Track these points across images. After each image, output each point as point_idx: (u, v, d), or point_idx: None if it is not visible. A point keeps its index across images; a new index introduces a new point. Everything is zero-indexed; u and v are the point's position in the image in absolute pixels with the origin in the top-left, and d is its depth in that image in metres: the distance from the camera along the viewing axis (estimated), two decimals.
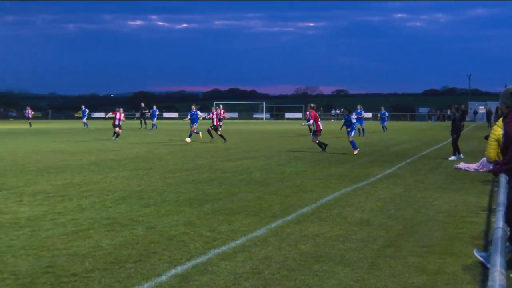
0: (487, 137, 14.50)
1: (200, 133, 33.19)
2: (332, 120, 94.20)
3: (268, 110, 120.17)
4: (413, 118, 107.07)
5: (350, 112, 25.25)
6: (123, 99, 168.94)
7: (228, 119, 76.11)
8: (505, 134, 7.08)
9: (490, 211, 10.86)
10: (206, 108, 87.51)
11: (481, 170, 17.26)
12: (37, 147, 28.32)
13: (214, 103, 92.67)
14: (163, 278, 6.72)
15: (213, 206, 11.51)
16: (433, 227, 9.55)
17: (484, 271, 6.87)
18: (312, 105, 26.12)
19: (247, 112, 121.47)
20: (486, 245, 8.19)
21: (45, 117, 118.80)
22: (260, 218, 10.29)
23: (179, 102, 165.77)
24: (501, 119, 10.66)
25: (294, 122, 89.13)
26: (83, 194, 12.95)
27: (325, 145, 24.96)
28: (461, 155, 21.72)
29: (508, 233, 6.60)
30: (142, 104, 57.32)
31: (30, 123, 65.17)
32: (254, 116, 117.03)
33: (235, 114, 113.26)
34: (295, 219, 10.29)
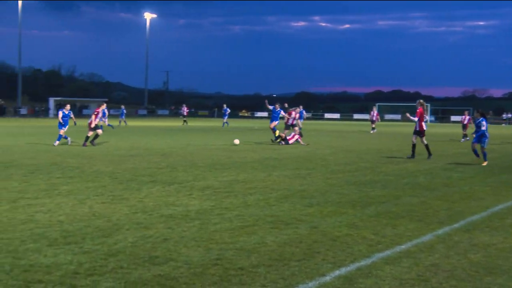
0: None
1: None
2: (503, 125, 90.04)
3: (433, 112, 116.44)
4: None
5: (483, 116, 21.62)
6: (286, 99, 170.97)
7: (387, 120, 74.80)
8: None
9: None
10: (366, 109, 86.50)
11: None
12: (205, 144, 29.41)
13: (377, 104, 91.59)
14: (327, 278, 6.68)
15: (377, 209, 11.32)
16: None
17: None
18: (421, 101, 23.58)
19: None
20: None
21: (211, 115, 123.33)
22: (425, 224, 9.96)
23: (341, 103, 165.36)
24: None
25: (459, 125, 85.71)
26: (247, 191, 13.24)
27: (429, 154, 22.67)
28: None
29: None
30: (286, 105, 56.07)
31: (185, 120, 66.01)
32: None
33: (398, 116, 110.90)
34: (464, 227, 9.83)
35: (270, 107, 33.31)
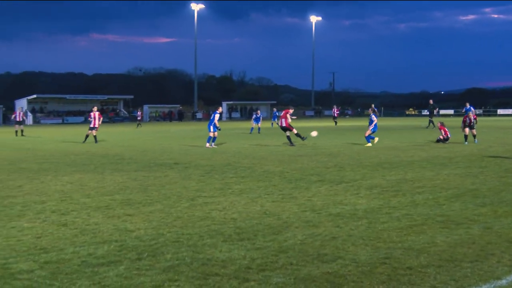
0: None
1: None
2: None
3: None
4: None
5: None
6: (454, 95, 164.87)
7: None
8: None
9: None
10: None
11: None
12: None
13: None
14: (503, 282, 6.36)
15: None
16: None
17: None
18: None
19: None
20: None
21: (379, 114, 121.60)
22: None
23: None
24: None
25: None
26: (416, 190, 12.96)
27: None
28: None
29: None
30: (431, 101, 52.09)
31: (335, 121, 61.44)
32: None
33: None
34: None
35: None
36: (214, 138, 27.34)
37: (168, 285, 6.23)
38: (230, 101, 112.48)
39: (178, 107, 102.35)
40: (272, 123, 54.26)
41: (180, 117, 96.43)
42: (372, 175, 15.69)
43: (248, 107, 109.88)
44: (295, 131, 27.61)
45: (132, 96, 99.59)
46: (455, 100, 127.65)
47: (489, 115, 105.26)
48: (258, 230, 8.86)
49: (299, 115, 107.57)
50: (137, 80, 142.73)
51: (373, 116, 28.33)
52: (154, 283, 6.32)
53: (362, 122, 67.37)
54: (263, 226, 9.16)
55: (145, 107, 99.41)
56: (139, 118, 67.00)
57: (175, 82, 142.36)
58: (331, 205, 11.05)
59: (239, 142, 31.40)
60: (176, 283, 6.30)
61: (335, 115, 62.12)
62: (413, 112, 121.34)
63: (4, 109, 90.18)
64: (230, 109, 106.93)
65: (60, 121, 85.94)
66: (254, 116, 45.47)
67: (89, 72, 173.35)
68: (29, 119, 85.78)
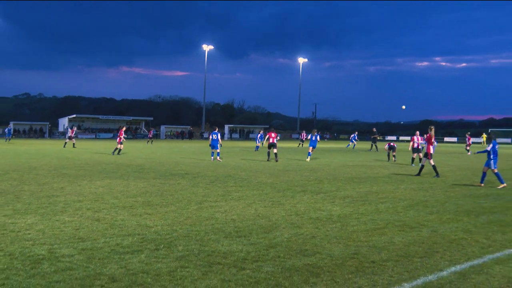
0: None
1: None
2: None
3: None
4: None
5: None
6: (412, 125, 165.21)
7: (500, 143, 69.45)
8: None
9: None
10: (479, 134, 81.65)
11: None
12: (343, 162, 29.23)
13: (490, 130, 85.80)
14: (444, 273, 6.48)
15: (489, 217, 10.72)
16: None
17: None
18: (431, 127, 21.11)
19: None
20: None
21: (347, 139, 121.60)
22: None
23: (458, 129, 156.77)
24: None
25: None
26: (379, 200, 13.03)
27: (437, 173, 20.13)
28: None
29: None
30: (374, 129, 51.60)
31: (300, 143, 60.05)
32: None
33: (508, 140, 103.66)
34: None
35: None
36: (218, 152, 27.47)
37: (180, 271, 6.31)
38: (232, 124, 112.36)
39: (189, 128, 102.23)
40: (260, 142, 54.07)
41: (190, 136, 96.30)
42: (345, 188, 15.76)
43: (246, 130, 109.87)
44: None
45: (152, 118, 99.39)
46: (412, 129, 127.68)
47: (437, 142, 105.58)
48: (253, 229, 8.91)
49: (287, 137, 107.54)
50: (156, 105, 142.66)
51: (318, 136, 30.09)
52: (169, 269, 6.39)
53: (338, 145, 67.45)
54: (256, 226, 9.20)
55: (162, 127, 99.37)
56: (150, 136, 61.76)
57: (187, 108, 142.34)
58: (312, 211, 11.10)
59: (237, 158, 31.46)
60: (187, 270, 6.37)
61: (303, 138, 60.68)
62: (378, 138, 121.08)
63: (50, 125, 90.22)
64: (231, 131, 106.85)
65: (94, 136, 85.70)
66: (258, 135, 45.17)
67: (118, 97, 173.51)
68: (69, 134, 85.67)
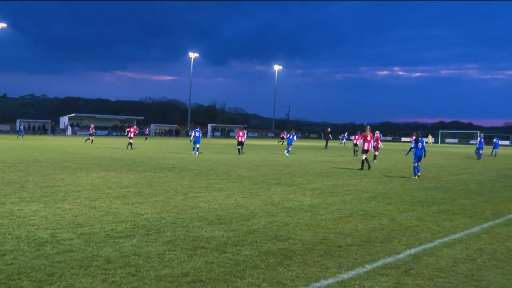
0: None
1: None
2: None
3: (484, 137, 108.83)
4: None
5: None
6: (373, 127, 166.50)
7: (448, 143, 70.55)
8: None
9: None
10: (432, 135, 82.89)
11: None
12: (313, 158, 29.39)
13: (440, 131, 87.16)
14: (401, 256, 6.57)
15: (439, 207, 10.90)
16: None
17: None
18: (367, 126, 22.38)
19: (465, 139, 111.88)
20: None
21: (319, 137, 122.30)
22: (474, 219, 9.49)
23: (413, 130, 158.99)
24: None
25: (502, 148, 79.80)
26: (345, 192, 13.13)
27: (368, 166, 20.86)
28: None
29: None
30: (328, 129, 51.82)
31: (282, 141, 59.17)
32: (471, 142, 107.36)
33: (456, 140, 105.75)
34: (503, 222, 9.32)
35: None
36: (197, 149, 29.04)
37: (168, 254, 6.28)
38: (214, 124, 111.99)
39: (176, 126, 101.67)
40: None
41: (177, 133, 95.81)
42: (314, 181, 15.84)
43: (227, 129, 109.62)
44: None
45: (143, 117, 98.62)
46: (373, 130, 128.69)
47: (395, 142, 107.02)
48: (233, 217, 8.90)
49: (263, 136, 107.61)
50: (147, 106, 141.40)
51: (295, 136, 35.20)
52: (158, 252, 6.36)
53: (309, 143, 67.71)
54: (236, 215, 9.20)
55: (152, 125, 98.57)
56: (146, 133, 66.01)
57: (174, 108, 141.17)
58: (285, 201, 11.13)
59: (219, 153, 31.39)
60: (174, 253, 6.35)
61: (283, 136, 59.73)
62: (331, 137, 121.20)
63: (52, 123, 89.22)
64: (214, 130, 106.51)
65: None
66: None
67: (113, 98, 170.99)
68: (69, 131, 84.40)
